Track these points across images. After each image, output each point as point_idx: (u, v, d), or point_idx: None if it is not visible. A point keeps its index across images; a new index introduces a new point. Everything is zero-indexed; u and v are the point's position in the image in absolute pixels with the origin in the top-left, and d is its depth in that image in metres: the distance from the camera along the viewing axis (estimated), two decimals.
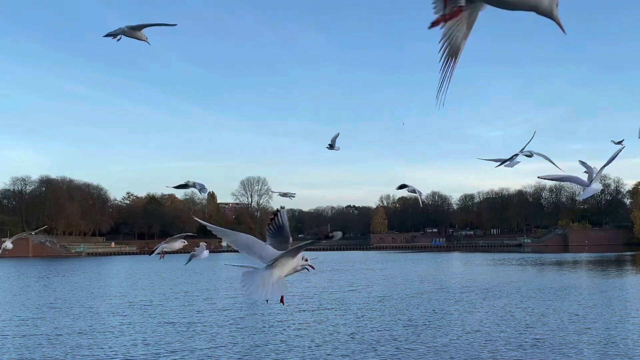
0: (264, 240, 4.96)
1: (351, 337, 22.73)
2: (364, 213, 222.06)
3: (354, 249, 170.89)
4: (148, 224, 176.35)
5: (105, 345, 21.98)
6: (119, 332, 24.89)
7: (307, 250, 4.66)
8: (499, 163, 7.26)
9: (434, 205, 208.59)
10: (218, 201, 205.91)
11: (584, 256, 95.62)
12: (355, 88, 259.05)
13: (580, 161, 6.98)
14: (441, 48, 2.90)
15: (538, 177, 6.63)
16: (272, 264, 4.45)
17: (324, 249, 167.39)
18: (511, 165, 7.22)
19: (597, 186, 6.24)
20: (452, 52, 2.90)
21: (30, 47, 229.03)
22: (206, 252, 7.77)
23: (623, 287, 41.12)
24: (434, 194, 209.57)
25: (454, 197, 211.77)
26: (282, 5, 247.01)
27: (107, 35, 6.95)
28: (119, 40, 6.86)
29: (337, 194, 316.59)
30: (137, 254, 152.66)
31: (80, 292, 44.36)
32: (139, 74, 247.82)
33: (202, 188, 8.68)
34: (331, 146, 8.54)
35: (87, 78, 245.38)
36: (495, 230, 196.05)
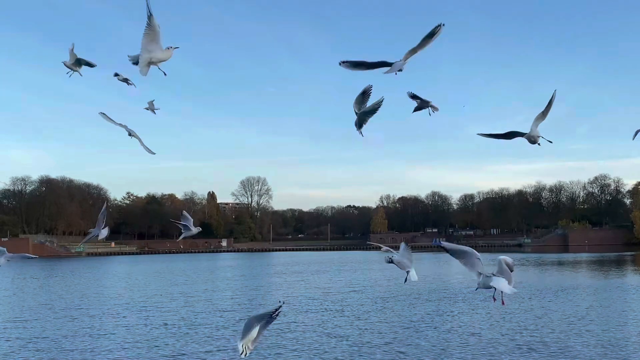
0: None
1: (351, 338, 22.69)
2: (364, 213, 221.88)
3: (354, 249, 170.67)
4: (148, 224, 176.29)
5: (99, 348, 21.94)
6: (114, 334, 24.83)
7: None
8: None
9: (434, 205, 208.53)
10: (218, 201, 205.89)
11: (584, 256, 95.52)
12: (355, 88, 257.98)
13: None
14: None
15: (477, 134, 6.03)
16: None
17: (324, 249, 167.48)
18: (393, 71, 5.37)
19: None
20: None
21: (30, 47, 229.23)
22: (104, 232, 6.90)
23: (623, 287, 41.08)
24: (434, 194, 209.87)
25: (454, 197, 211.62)
26: (282, 6, 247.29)
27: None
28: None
29: (337, 194, 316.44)
30: (137, 254, 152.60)
31: (78, 293, 44.31)
32: (139, 74, 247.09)
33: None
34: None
35: (87, 78, 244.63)
36: (495, 230, 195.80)
